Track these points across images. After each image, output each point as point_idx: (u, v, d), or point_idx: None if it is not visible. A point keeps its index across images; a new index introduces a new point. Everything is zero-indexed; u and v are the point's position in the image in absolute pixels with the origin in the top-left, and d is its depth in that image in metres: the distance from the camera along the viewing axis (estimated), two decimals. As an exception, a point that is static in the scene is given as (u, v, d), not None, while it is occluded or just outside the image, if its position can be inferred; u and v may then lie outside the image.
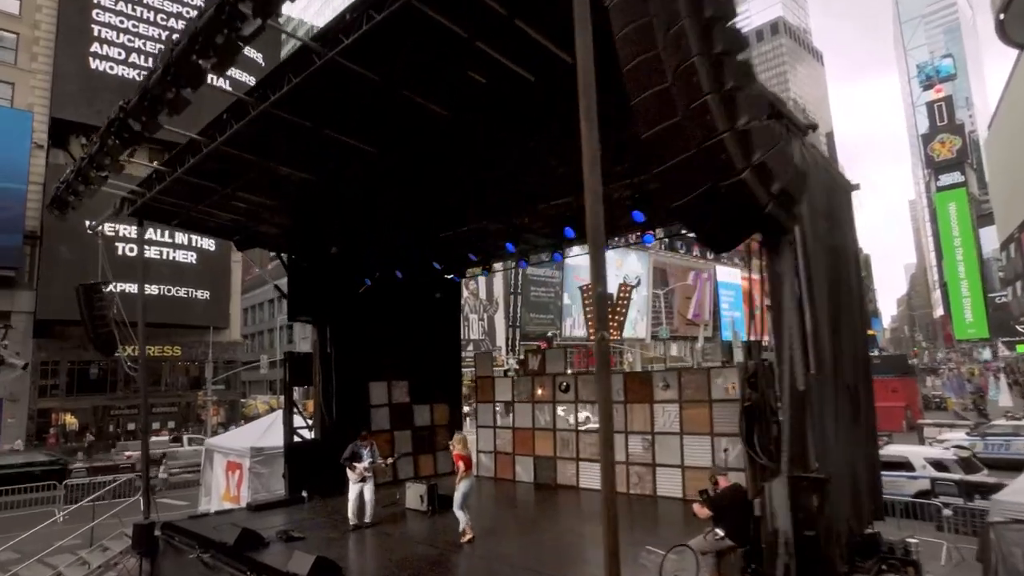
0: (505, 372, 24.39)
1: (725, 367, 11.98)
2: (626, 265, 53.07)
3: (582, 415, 13.64)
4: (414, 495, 11.53)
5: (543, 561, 8.13)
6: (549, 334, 49.37)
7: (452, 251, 13.50)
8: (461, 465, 9.41)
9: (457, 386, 16.18)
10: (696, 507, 7.00)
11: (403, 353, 14.66)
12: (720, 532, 6.40)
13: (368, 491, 10.40)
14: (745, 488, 7.14)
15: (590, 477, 12.79)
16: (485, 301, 46.38)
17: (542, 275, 50.61)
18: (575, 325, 50.63)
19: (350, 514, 10.28)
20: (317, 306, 13.39)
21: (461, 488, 9.26)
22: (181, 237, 37.17)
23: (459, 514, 9.20)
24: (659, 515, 10.79)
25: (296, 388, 13.69)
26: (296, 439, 13.17)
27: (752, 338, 7.51)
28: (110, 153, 7.68)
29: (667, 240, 61.30)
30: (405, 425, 14.79)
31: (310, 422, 13.75)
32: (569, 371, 14.06)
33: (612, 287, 51.51)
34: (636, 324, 52.04)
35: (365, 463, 10.44)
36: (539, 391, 14.10)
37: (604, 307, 4.46)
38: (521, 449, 14.12)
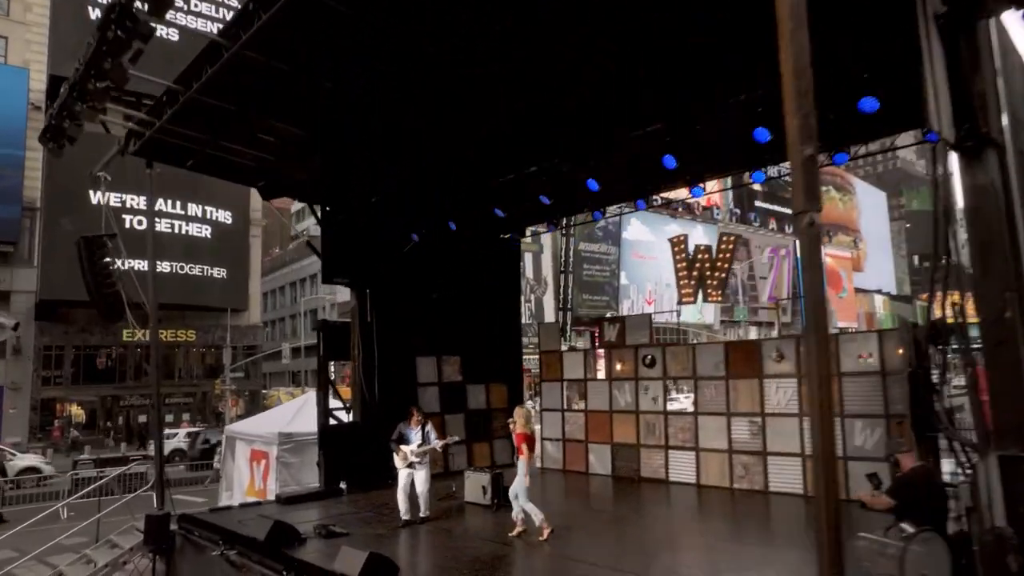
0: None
1: (859, 332, 10.86)
2: (689, 240, 51.59)
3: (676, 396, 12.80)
4: (475, 486, 10.88)
5: (631, 561, 7.48)
6: (609, 315, 48.24)
7: (518, 195, 12.55)
8: (524, 448, 8.68)
9: (517, 364, 15.56)
10: (867, 496, 5.91)
11: (455, 324, 14.06)
12: (909, 527, 5.31)
13: (420, 480, 9.73)
14: (931, 469, 6.03)
15: (682, 469, 12.10)
16: (532, 280, 45.48)
17: (596, 251, 49.50)
18: (634, 307, 49.40)
19: (400, 507, 9.65)
20: (356, 266, 12.79)
21: (523, 475, 8.56)
22: (194, 208, 37.18)
23: (528, 507, 8.52)
24: (779, 515, 9.92)
25: (331, 364, 13.07)
26: (332, 422, 12.65)
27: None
28: (110, 52, 6.89)
29: (738, 212, 59.53)
30: (457, 408, 14.26)
31: (348, 403, 13.11)
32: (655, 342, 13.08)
33: (667, 268, 50.35)
34: (701, 308, 50.55)
35: (412, 446, 9.73)
36: (618, 366, 13.33)
37: (814, 175, 3.41)
38: (596, 436, 13.43)
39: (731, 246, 10.95)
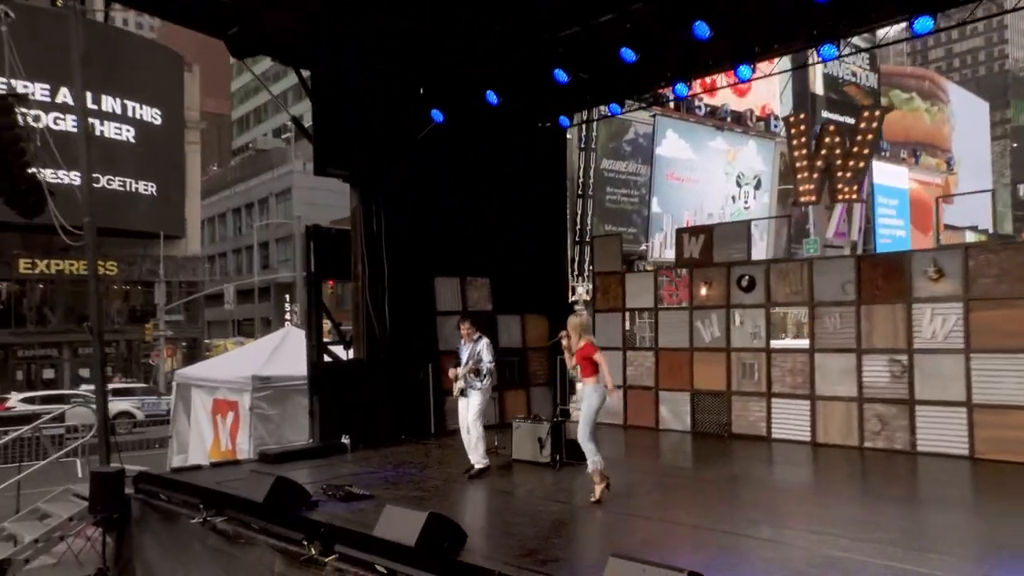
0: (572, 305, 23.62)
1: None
2: (740, 158, 50.56)
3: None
4: (527, 439, 10.36)
5: (745, 525, 7.18)
6: (641, 247, 47.52)
7: (589, 53, 11.70)
8: (597, 359, 8.21)
9: (560, 291, 15.43)
10: None
11: (485, 237, 13.78)
12: None
13: (470, 412, 9.51)
14: None
15: (790, 422, 11.84)
16: (544, 205, 44.60)
17: (622, 171, 48.40)
18: (667, 241, 48.61)
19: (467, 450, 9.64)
20: (359, 154, 12.22)
21: (588, 403, 8.22)
22: (111, 102, 35.89)
23: (587, 447, 8.09)
24: (941, 480, 9.47)
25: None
26: (327, 360, 12.20)
27: None
28: None
29: (801, 124, 58.57)
30: (485, 344, 13.88)
31: (349, 336, 12.81)
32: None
33: (718, 191, 49.47)
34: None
35: (463, 369, 9.53)
36: (702, 291, 12.90)
37: None
38: (670, 381, 13.18)
39: (875, 123, 10.12)
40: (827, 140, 10.93)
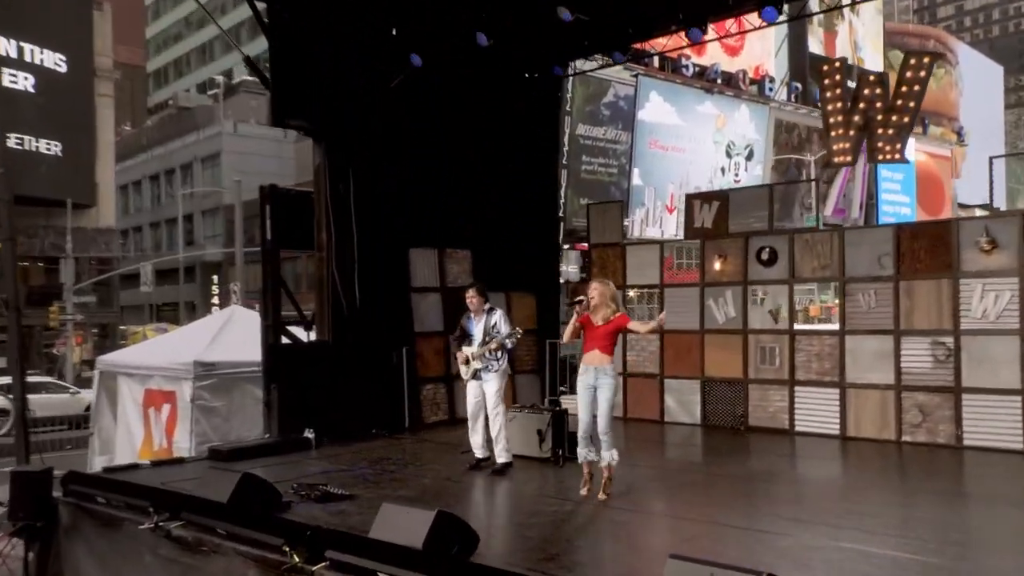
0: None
1: None
2: (731, 125, 50.78)
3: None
4: (522, 432, 10.23)
5: (781, 525, 7.24)
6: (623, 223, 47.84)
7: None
8: (610, 348, 8.20)
9: (551, 266, 15.39)
10: None
11: (466, 204, 13.64)
12: None
13: (490, 396, 9.41)
14: None
15: (817, 414, 11.77)
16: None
17: (600, 138, 48.11)
18: (650, 217, 48.80)
19: (471, 439, 9.69)
20: (322, 102, 12.02)
21: (611, 388, 8.17)
22: (5, 44, 34.95)
23: (606, 438, 8.09)
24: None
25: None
26: (286, 342, 12.04)
27: None
28: None
29: (798, 87, 59.17)
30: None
31: (312, 315, 12.55)
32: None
33: (706, 162, 49.64)
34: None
35: (477, 347, 9.40)
36: (716, 264, 12.89)
37: None
38: (677, 367, 13.16)
39: (923, 71, 9.92)
40: (866, 92, 10.86)
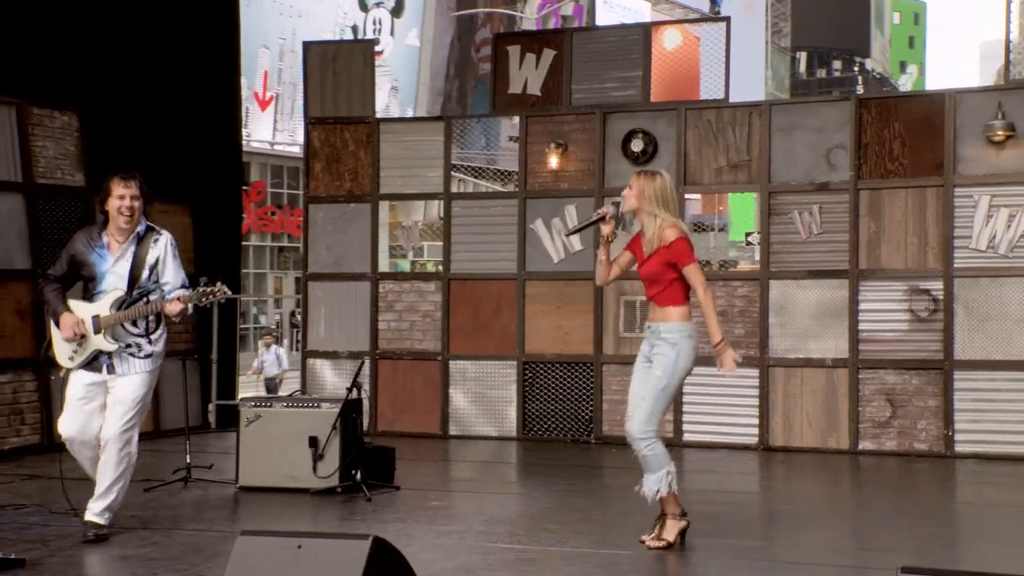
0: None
1: None
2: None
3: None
4: (281, 441, 7.22)
5: None
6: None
7: None
8: (673, 291, 5.45)
9: (231, 155, 11.88)
10: None
11: (78, 34, 10.19)
12: None
13: (126, 410, 5.92)
14: None
15: (717, 412, 9.21)
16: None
17: None
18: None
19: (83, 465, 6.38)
20: None
21: (671, 363, 5.32)
22: None
23: (654, 449, 5.29)
24: None
25: None
26: None
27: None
28: None
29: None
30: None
31: None
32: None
33: (325, 12, 42.76)
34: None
35: (103, 307, 5.98)
36: (550, 159, 10.04)
37: None
38: (473, 340, 10.18)
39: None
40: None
